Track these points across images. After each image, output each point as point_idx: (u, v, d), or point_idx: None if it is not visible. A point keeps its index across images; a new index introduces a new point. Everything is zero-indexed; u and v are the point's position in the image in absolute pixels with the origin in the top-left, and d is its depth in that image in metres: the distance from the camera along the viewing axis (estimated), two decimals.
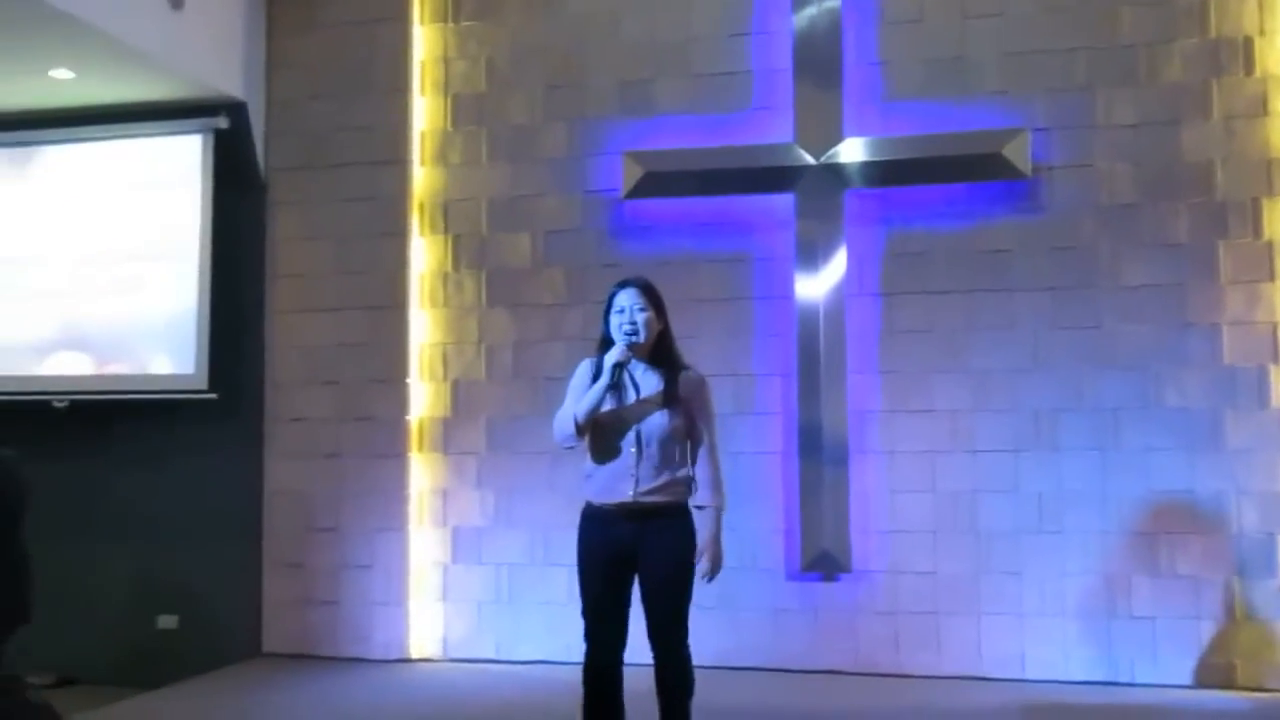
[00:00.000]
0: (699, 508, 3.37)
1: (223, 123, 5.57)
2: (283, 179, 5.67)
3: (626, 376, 3.36)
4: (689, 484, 3.37)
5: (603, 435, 3.35)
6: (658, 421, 3.30)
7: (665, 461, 3.30)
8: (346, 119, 5.61)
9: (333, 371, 5.53)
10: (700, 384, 3.41)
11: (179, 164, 5.62)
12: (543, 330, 5.42)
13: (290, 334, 5.60)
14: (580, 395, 3.35)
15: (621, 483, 3.28)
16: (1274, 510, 4.73)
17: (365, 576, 5.40)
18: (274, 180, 5.68)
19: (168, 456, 5.61)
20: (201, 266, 5.54)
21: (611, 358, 3.29)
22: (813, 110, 5.17)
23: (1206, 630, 4.76)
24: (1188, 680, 4.74)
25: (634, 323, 3.32)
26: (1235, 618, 4.73)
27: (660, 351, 3.38)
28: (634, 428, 3.30)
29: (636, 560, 3.30)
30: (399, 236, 5.52)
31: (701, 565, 3.34)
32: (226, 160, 5.60)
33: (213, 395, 5.47)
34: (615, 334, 3.35)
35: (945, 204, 5.12)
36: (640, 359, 3.37)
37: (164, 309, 5.59)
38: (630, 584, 3.34)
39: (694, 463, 3.39)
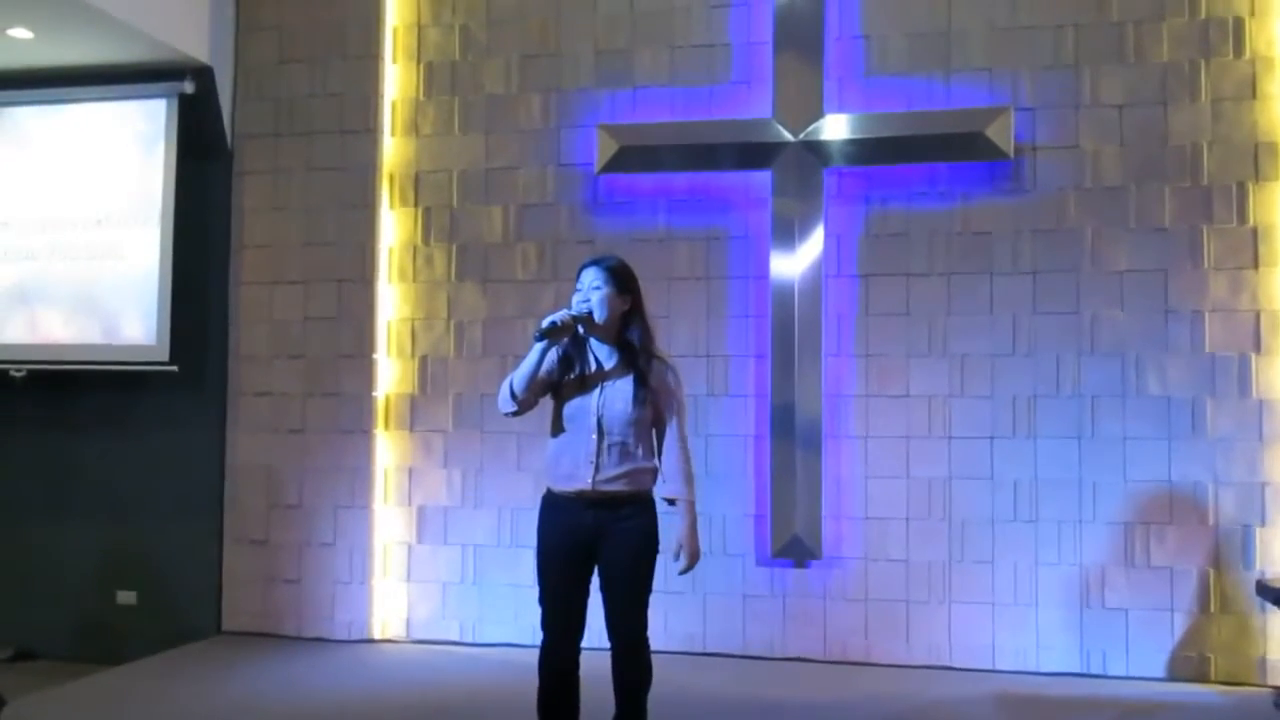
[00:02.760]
0: (669, 501, 3.27)
1: (188, 87, 5.42)
2: (250, 147, 5.53)
3: (591, 358, 3.25)
4: (653, 474, 3.27)
5: (563, 419, 3.25)
6: (621, 408, 3.19)
7: (628, 450, 3.19)
8: (316, 86, 5.47)
9: (299, 345, 5.42)
10: (670, 374, 3.29)
11: (142, 129, 5.48)
12: (515, 306, 5.30)
13: (256, 306, 5.48)
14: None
15: (581, 470, 3.18)
16: (1252, 502, 4.65)
17: (329, 555, 5.31)
18: (241, 148, 5.54)
19: (128, 429, 5.50)
20: (164, 236, 5.40)
21: (550, 316, 3.16)
22: (793, 85, 5.04)
23: (1180, 623, 4.69)
24: (1160, 673, 4.67)
25: (588, 300, 3.21)
26: (1210, 610, 4.66)
27: (627, 335, 3.26)
28: (595, 414, 3.19)
29: (596, 549, 3.21)
30: (368, 208, 5.39)
31: (680, 562, 3.25)
32: (192, 126, 5.46)
33: (173, 368, 5.34)
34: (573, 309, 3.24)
35: (926, 183, 5.00)
36: (604, 341, 3.26)
37: (125, 279, 5.45)
38: (590, 573, 3.25)
39: (660, 453, 3.29)
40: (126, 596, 5.46)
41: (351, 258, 5.39)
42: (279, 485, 5.38)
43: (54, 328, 5.53)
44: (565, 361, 3.24)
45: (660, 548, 3.26)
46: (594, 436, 3.18)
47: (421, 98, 5.46)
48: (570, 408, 3.23)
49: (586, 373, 3.23)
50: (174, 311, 5.37)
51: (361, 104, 5.41)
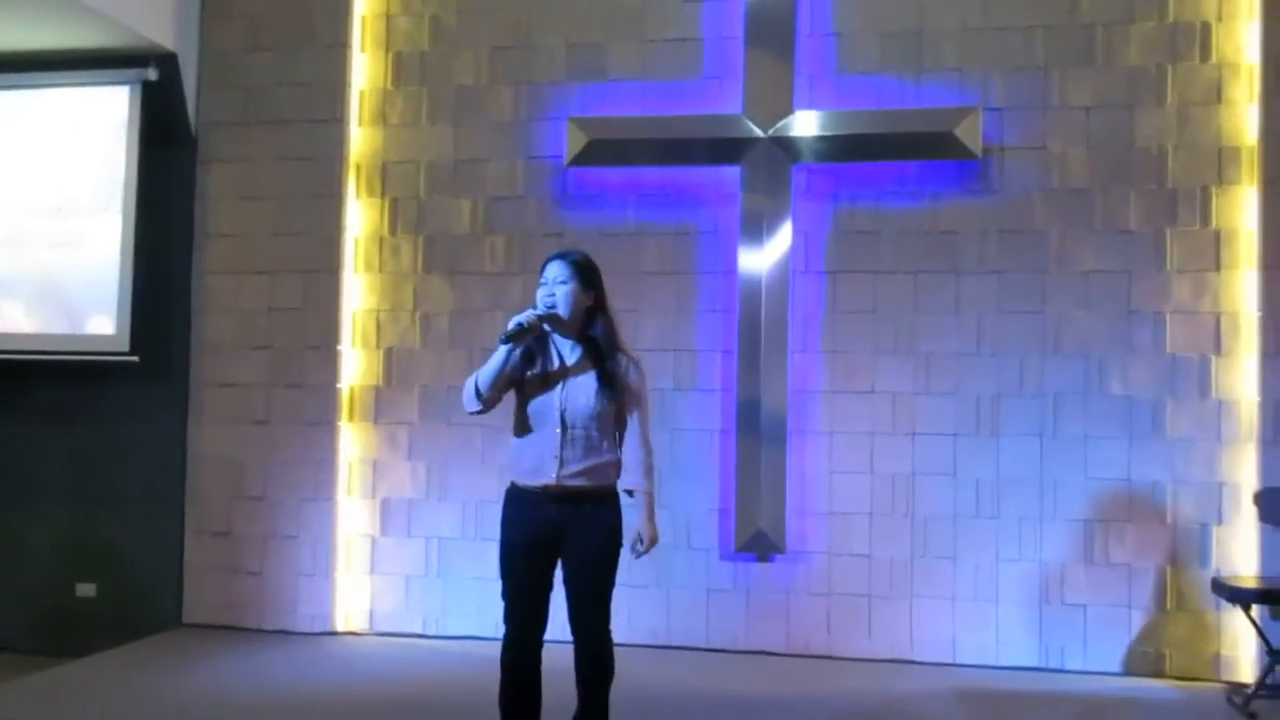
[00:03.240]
0: (629, 492, 3.27)
1: (152, 74, 5.34)
2: (215, 135, 5.47)
3: (554, 353, 3.24)
4: (617, 468, 3.26)
5: (527, 414, 3.24)
6: (584, 403, 3.18)
7: (592, 445, 3.19)
8: (283, 74, 5.41)
9: (264, 336, 5.37)
10: (633, 368, 3.28)
11: (104, 117, 5.39)
12: (482, 299, 5.28)
13: (220, 296, 5.42)
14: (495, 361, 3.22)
15: (545, 464, 3.17)
16: (1209, 501, 4.71)
17: (292, 547, 5.27)
18: (205, 136, 5.48)
19: (90, 420, 5.43)
20: (126, 225, 5.32)
21: (516, 317, 3.15)
22: (763, 81, 5.04)
23: (1138, 619, 4.75)
24: (1117, 668, 4.74)
25: (553, 295, 3.20)
26: (1166, 608, 4.73)
27: (591, 330, 3.25)
28: (559, 409, 3.18)
29: (560, 544, 3.20)
30: (334, 198, 5.34)
31: (638, 548, 3.25)
32: (155, 114, 5.38)
33: (134, 358, 5.28)
34: (538, 306, 3.23)
35: (895, 182, 5.02)
36: (568, 336, 3.25)
37: (87, 268, 5.37)
38: (553, 568, 3.24)
39: (622, 446, 3.28)
40: (86, 589, 5.39)
41: (318, 248, 5.34)
42: (242, 477, 5.34)
43: (14, 318, 5.44)
44: (528, 357, 3.23)
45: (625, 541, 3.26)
46: (558, 431, 3.17)
47: (390, 88, 5.41)
48: (534, 404, 3.21)
49: (550, 368, 3.22)
50: (136, 301, 5.30)
51: (329, 93, 5.36)
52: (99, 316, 5.35)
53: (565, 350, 3.26)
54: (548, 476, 3.17)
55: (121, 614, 5.27)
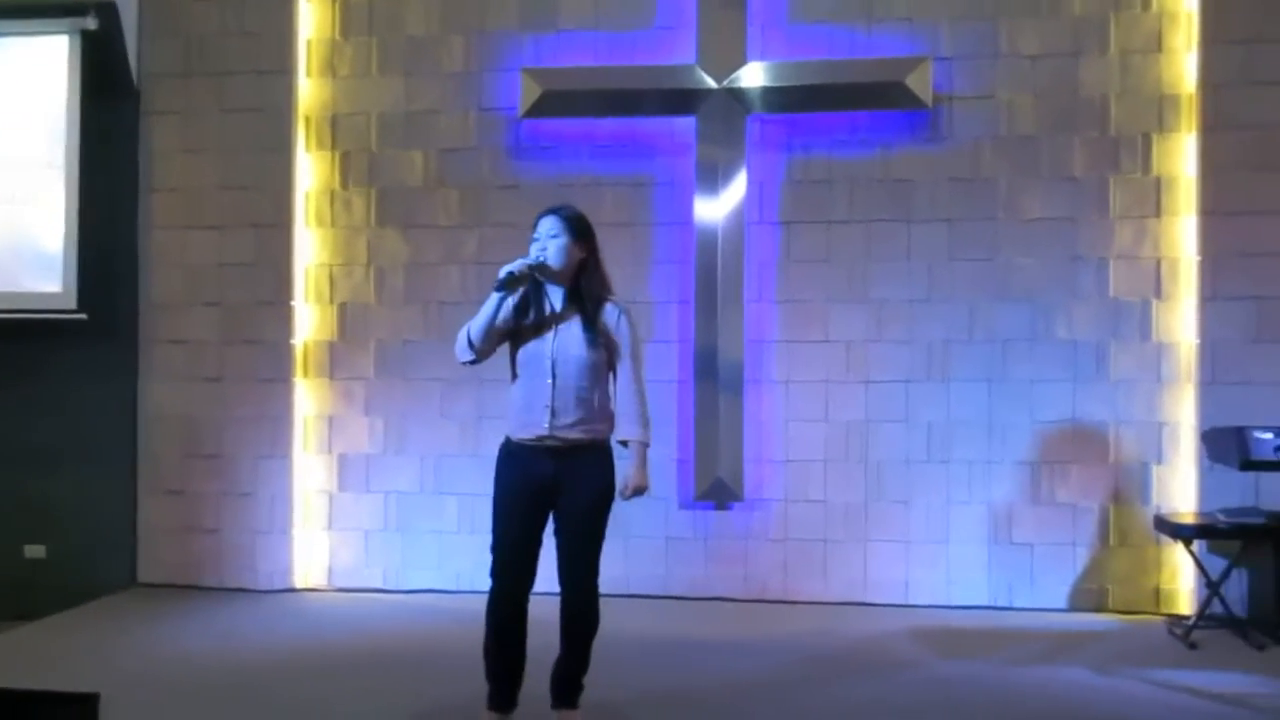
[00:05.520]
0: (623, 443, 3.27)
1: (91, 23, 5.20)
2: (159, 86, 5.35)
3: (547, 304, 3.24)
4: (610, 420, 3.27)
5: (517, 366, 3.25)
6: (575, 353, 3.18)
7: (583, 395, 3.18)
8: (228, 23, 5.30)
9: (214, 292, 5.30)
10: (623, 316, 3.28)
11: (43, 68, 5.23)
12: (437, 253, 5.25)
13: (168, 252, 5.33)
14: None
15: (538, 416, 3.17)
16: (1150, 440, 4.87)
17: (248, 504, 5.23)
18: (149, 87, 5.35)
19: (37, 379, 5.32)
20: (70, 179, 5.20)
21: (508, 266, 3.15)
22: (716, 31, 5.04)
23: (1082, 556, 4.91)
24: (1062, 604, 4.90)
25: (545, 249, 3.20)
26: (1109, 544, 4.89)
27: (582, 282, 3.24)
28: (550, 359, 3.18)
29: (554, 497, 3.20)
30: (284, 151, 5.26)
31: (624, 493, 3.25)
32: (96, 65, 5.24)
33: (81, 315, 5.17)
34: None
35: (847, 131, 5.07)
36: (561, 286, 3.25)
37: (30, 223, 5.24)
38: (545, 521, 3.24)
39: (615, 396, 3.29)
40: (35, 550, 5.31)
41: (268, 202, 5.26)
42: (196, 435, 5.27)
43: None
44: (522, 307, 3.23)
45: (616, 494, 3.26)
46: (549, 381, 3.17)
47: (338, 38, 5.32)
48: (525, 353, 3.22)
49: (543, 319, 3.22)
50: (83, 258, 5.19)
51: (276, 43, 5.26)
52: (45, 273, 5.23)
53: (557, 302, 3.26)
54: (541, 428, 3.17)
55: (73, 576, 5.19)
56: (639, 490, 3.27)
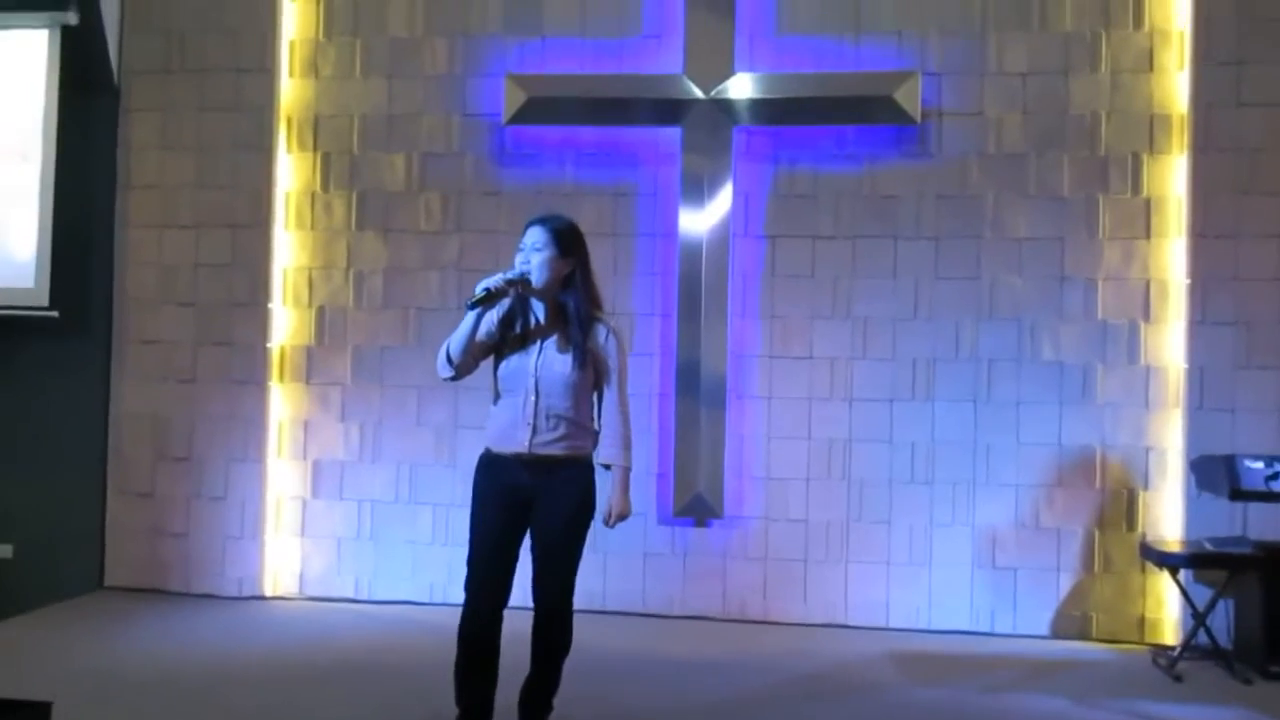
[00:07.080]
0: (605, 466, 3.20)
1: (71, 18, 5.12)
2: (138, 83, 5.28)
3: (533, 318, 3.16)
4: (593, 437, 3.20)
5: (499, 381, 3.17)
6: (560, 371, 3.10)
7: (565, 412, 3.10)
8: (210, 20, 5.24)
9: (189, 292, 5.22)
10: (611, 336, 3.20)
11: (22, 62, 5.15)
12: (417, 258, 5.17)
13: (144, 250, 5.25)
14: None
15: (518, 431, 3.10)
16: (1136, 465, 4.79)
17: (219, 508, 5.14)
18: (129, 84, 5.28)
19: (6, 376, 5.24)
20: (45, 174, 5.11)
21: (484, 281, 3.06)
22: (703, 41, 4.98)
23: (1066, 582, 4.82)
24: (1045, 631, 4.81)
25: (528, 262, 3.11)
26: (1094, 571, 4.80)
27: (570, 296, 3.15)
28: (533, 375, 3.10)
29: (531, 511, 3.13)
30: (264, 151, 5.19)
31: (609, 521, 3.20)
32: (75, 59, 5.17)
33: (53, 313, 5.08)
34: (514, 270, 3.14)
35: (834, 145, 5.00)
36: (546, 303, 3.16)
37: (3, 219, 5.15)
38: (522, 536, 3.17)
39: (599, 416, 3.21)
40: (1, 550, 5.21)
41: (246, 202, 5.19)
42: (167, 436, 5.19)
43: None
44: (508, 320, 3.15)
45: (595, 511, 3.20)
46: (531, 398, 3.10)
47: (321, 38, 5.25)
48: (507, 368, 3.15)
49: (528, 333, 3.14)
50: (56, 254, 5.10)
51: (258, 41, 5.19)
52: (17, 269, 5.14)
53: (543, 317, 3.17)
54: (520, 444, 3.10)
55: (39, 576, 5.10)
56: (623, 517, 3.21)
